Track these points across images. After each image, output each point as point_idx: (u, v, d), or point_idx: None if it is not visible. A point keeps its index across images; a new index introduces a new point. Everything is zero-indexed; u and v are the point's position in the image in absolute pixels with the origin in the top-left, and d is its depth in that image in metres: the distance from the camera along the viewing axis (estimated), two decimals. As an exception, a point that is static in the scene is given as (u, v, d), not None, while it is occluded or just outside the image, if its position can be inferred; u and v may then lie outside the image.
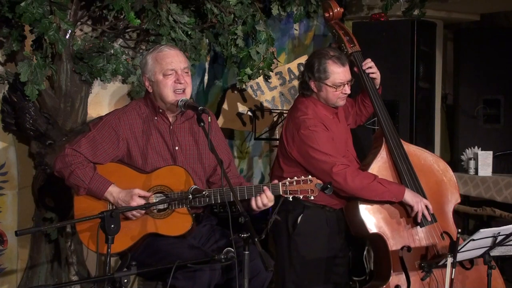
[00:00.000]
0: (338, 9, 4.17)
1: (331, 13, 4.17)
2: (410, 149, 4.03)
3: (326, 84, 3.88)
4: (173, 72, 3.47)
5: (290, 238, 3.96)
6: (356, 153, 4.12)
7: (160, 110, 3.54)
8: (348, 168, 3.80)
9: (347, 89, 3.91)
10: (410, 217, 3.89)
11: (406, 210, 3.89)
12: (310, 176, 3.40)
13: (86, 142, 3.47)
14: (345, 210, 3.98)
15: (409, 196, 3.81)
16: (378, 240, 3.89)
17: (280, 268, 4.01)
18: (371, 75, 4.02)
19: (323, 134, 3.85)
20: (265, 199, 3.39)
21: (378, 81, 4.08)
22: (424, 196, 3.90)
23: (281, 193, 3.40)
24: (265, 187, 3.39)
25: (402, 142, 4.00)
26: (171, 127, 3.56)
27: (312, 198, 3.42)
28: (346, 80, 3.89)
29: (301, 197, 3.40)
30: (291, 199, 3.42)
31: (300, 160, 3.88)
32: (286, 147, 3.94)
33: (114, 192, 3.40)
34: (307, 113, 3.91)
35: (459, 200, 4.08)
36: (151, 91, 3.54)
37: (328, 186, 3.35)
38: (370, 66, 4.02)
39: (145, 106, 3.58)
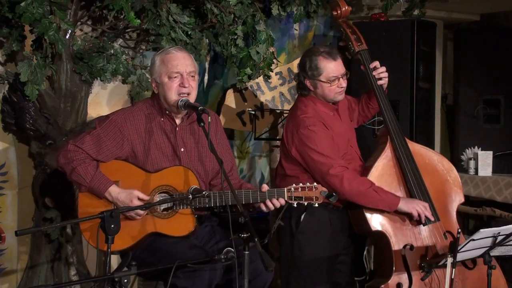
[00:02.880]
0: (346, 7, 4.20)
1: (339, 12, 4.20)
2: (415, 148, 4.04)
3: (321, 80, 3.88)
4: (178, 75, 3.47)
5: (293, 237, 3.97)
6: (360, 152, 4.12)
7: (167, 112, 3.54)
8: (345, 171, 3.80)
9: (343, 83, 3.91)
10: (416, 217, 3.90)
11: None
12: (315, 184, 3.41)
13: (90, 139, 3.48)
14: (349, 208, 3.99)
15: (404, 205, 3.82)
16: (381, 238, 3.90)
17: (284, 267, 4.02)
18: (379, 82, 4.02)
19: (322, 134, 3.85)
20: (277, 203, 3.41)
21: (385, 84, 4.08)
22: (428, 195, 3.91)
23: (286, 198, 3.40)
24: (281, 198, 3.40)
25: (407, 140, 4.01)
26: (177, 128, 3.56)
27: (316, 205, 3.42)
28: (340, 73, 3.89)
29: (305, 204, 3.40)
30: (295, 205, 3.42)
31: (299, 159, 3.89)
32: (286, 146, 3.95)
33: (113, 192, 3.39)
34: (307, 111, 3.91)
35: (462, 200, 4.09)
36: (157, 92, 3.54)
37: (333, 194, 3.36)
38: (381, 71, 4.02)
39: (151, 106, 3.58)
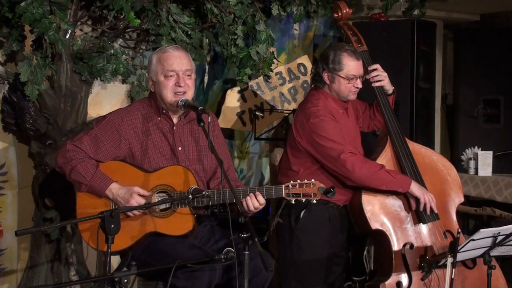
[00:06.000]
0: (347, 10, 4.28)
1: (340, 14, 4.28)
2: (415, 147, 4.06)
3: (340, 76, 3.92)
4: (174, 74, 3.47)
5: (292, 233, 3.98)
6: (364, 152, 4.14)
7: (164, 111, 3.54)
8: (356, 155, 3.83)
9: (359, 83, 3.96)
10: (414, 214, 3.90)
11: (410, 207, 3.90)
12: (313, 180, 3.40)
13: (88, 139, 3.48)
14: (349, 206, 4.01)
15: (416, 188, 3.83)
16: (381, 236, 3.91)
17: (281, 263, 4.03)
18: (374, 84, 4.05)
19: (332, 123, 3.89)
20: (256, 203, 3.37)
21: (388, 87, 4.11)
22: None
23: (283, 195, 3.40)
24: (257, 192, 3.37)
25: (407, 140, 4.03)
26: (174, 127, 3.56)
27: (314, 201, 3.42)
28: (359, 74, 3.95)
29: (303, 200, 3.41)
30: (293, 202, 3.42)
31: (309, 149, 3.91)
32: (296, 138, 3.97)
33: (113, 188, 3.40)
34: (318, 105, 3.95)
35: (462, 200, 4.10)
36: (153, 91, 3.55)
37: (331, 190, 3.36)
38: (376, 74, 4.05)
39: (149, 106, 3.58)
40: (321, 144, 3.86)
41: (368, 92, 4.14)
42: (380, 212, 3.88)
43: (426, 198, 3.84)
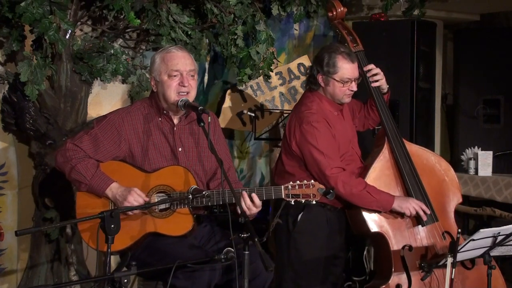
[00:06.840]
0: (342, 9, 4.23)
1: (334, 13, 4.23)
2: (413, 148, 4.04)
3: (334, 79, 3.89)
4: (177, 74, 3.47)
5: (290, 236, 3.97)
6: (361, 152, 4.13)
7: (165, 112, 3.54)
8: (340, 173, 3.81)
9: (354, 86, 3.93)
10: (412, 216, 3.89)
11: None
12: (312, 181, 3.40)
13: (88, 138, 3.48)
14: (347, 209, 3.99)
15: (398, 205, 3.82)
16: (379, 239, 3.90)
17: (279, 265, 4.02)
18: (373, 84, 4.03)
19: (324, 132, 3.86)
20: (248, 202, 3.34)
21: (384, 86, 4.08)
22: (426, 196, 3.91)
23: (283, 196, 3.39)
24: (253, 194, 3.36)
25: (405, 141, 4.01)
26: (175, 128, 3.56)
27: (314, 202, 3.42)
28: (354, 77, 3.91)
29: (303, 201, 3.41)
30: (293, 203, 3.42)
31: (298, 153, 3.90)
32: (287, 140, 3.96)
33: (113, 188, 3.40)
34: (312, 108, 3.92)
35: (460, 200, 4.09)
36: (155, 90, 3.55)
37: (331, 191, 3.36)
38: (374, 73, 4.03)
39: (149, 106, 3.58)
40: (310, 153, 3.84)
41: (362, 92, 4.13)
42: (378, 214, 3.87)
43: (411, 209, 3.82)
